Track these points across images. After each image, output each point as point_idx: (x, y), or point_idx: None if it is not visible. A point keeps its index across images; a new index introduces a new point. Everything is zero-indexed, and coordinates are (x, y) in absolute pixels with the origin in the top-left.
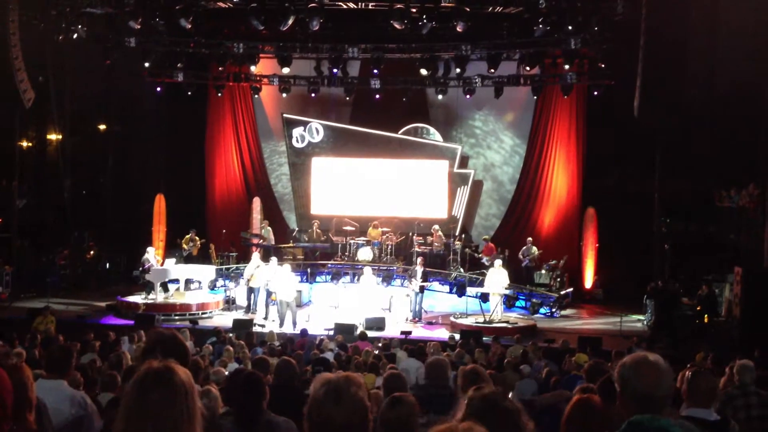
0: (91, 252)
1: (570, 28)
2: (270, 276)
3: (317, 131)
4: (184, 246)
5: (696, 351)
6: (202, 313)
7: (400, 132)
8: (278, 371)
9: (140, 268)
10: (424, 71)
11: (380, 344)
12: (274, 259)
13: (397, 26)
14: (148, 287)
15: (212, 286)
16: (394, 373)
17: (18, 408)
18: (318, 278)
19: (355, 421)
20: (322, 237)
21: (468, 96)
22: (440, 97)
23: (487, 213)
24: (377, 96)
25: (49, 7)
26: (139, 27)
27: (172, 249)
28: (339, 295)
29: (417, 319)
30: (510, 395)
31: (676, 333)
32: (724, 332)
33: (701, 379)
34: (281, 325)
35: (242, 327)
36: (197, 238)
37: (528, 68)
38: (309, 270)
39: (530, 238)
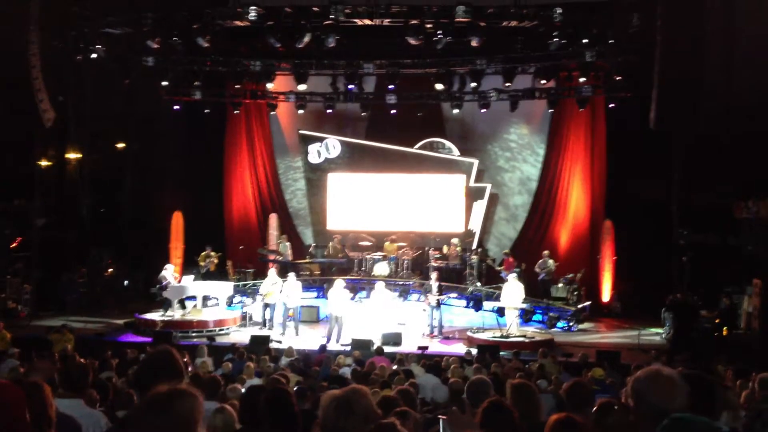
0: (110, 270)
1: (585, 41)
2: (287, 291)
3: (333, 147)
4: (201, 263)
5: (715, 364)
6: (220, 330)
7: (416, 147)
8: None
9: (158, 286)
10: (439, 86)
11: (396, 359)
12: (291, 275)
13: (413, 42)
14: (166, 304)
15: (230, 303)
16: (401, 389)
17: (38, 426)
18: None
19: (369, 430)
20: (340, 252)
21: (483, 110)
22: (456, 111)
23: (501, 230)
24: (393, 111)
25: (68, 28)
26: (157, 46)
27: (189, 266)
28: (356, 310)
29: (435, 333)
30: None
31: (695, 346)
32: (744, 345)
33: None
34: (328, 340)
35: (260, 343)
36: (214, 254)
37: (543, 81)
38: (326, 286)
39: (547, 251)
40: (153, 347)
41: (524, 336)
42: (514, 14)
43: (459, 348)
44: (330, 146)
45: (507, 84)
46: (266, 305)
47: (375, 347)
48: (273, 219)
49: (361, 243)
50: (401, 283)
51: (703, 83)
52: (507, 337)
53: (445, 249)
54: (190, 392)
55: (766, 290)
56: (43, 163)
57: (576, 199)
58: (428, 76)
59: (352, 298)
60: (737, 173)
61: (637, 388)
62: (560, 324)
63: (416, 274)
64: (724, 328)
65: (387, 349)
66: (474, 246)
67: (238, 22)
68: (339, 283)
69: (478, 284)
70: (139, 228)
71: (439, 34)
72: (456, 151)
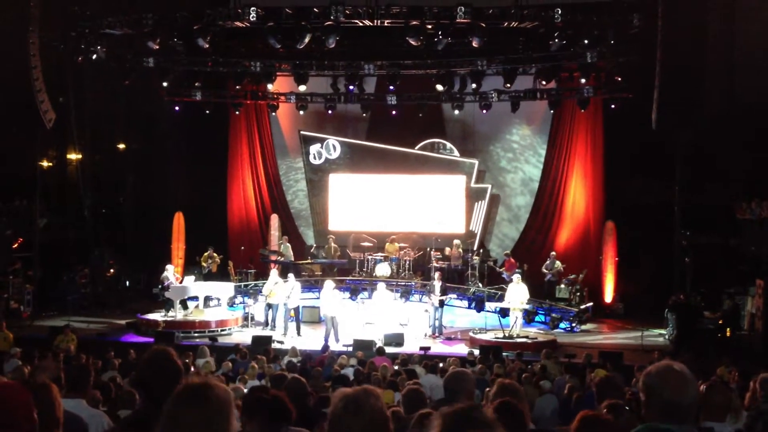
0: (111, 270)
1: (586, 41)
2: (289, 292)
3: (334, 148)
4: (203, 263)
5: (718, 365)
6: (222, 330)
7: (416, 147)
8: (288, 390)
9: (160, 286)
10: (440, 87)
11: (398, 360)
12: (291, 276)
13: (413, 42)
14: (168, 305)
15: (231, 303)
16: (412, 389)
17: (45, 426)
18: None
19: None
20: (338, 252)
21: (484, 111)
22: (456, 112)
23: (504, 230)
24: (393, 112)
25: (69, 29)
26: (157, 47)
27: (191, 266)
28: (358, 310)
29: (436, 334)
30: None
31: (698, 347)
32: (747, 346)
33: (716, 393)
34: (326, 341)
35: (262, 343)
36: (216, 255)
37: (544, 82)
38: None
39: (554, 252)
40: (152, 347)
41: (527, 337)
42: (514, 15)
43: (461, 349)
44: (331, 147)
45: (507, 85)
46: (269, 306)
47: (376, 347)
48: (274, 220)
49: (362, 244)
50: (403, 283)
51: (704, 84)
52: (510, 337)
53: (447, 251)
54: (220, 384)
55: None
56: (45, 163)
57: (578, 200)
58: (429, 76)
59: (353, 299)
60: (739, 174)
61: (649, 383)
62: (563, 325)
63: (418, 274)
64: (728, 329)
65: (389, 349)
66: (475, 247)
67: (238, 23)
68: (329, 284)
69: (480, 285)
70: (140, 228)
71: (440, 35)
72: (457, 152)
